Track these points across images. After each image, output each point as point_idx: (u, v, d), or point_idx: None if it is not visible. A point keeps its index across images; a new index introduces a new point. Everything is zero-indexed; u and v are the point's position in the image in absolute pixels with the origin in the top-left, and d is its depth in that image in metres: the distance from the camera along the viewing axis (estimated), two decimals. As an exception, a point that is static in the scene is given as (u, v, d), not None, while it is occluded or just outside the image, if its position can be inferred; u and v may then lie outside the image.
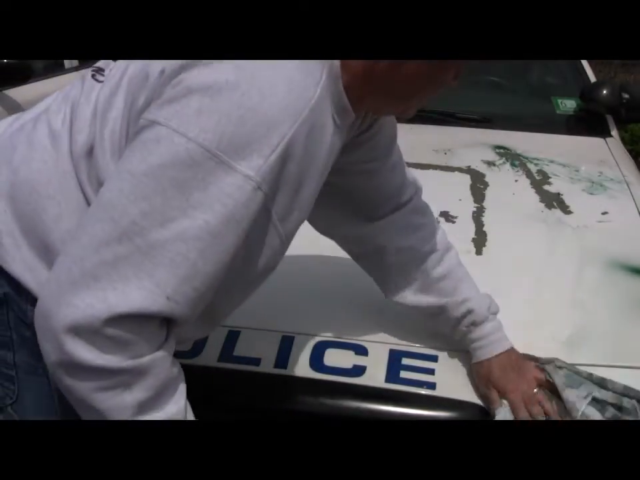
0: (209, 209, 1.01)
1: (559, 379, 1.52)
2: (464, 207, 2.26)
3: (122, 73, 1.19)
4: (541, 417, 1.48)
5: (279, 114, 1.03)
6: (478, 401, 1.54)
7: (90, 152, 1.17)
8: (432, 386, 1.57)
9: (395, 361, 1.62)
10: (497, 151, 2.75)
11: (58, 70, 4.89)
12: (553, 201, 2.34)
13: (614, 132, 3.11)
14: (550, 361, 1.57)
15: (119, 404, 1.04)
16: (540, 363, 1.59)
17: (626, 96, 3.17)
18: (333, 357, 1.62)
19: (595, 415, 1.45)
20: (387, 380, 1.58)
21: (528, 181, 2.50)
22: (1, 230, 1.18)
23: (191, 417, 1.16)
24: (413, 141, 2.85)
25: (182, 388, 1.14)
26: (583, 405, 1.46)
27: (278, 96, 1.03)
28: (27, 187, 1.18)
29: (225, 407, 1.57)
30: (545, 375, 1.55)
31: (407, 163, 2.53)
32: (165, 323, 1.07)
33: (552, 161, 2.69)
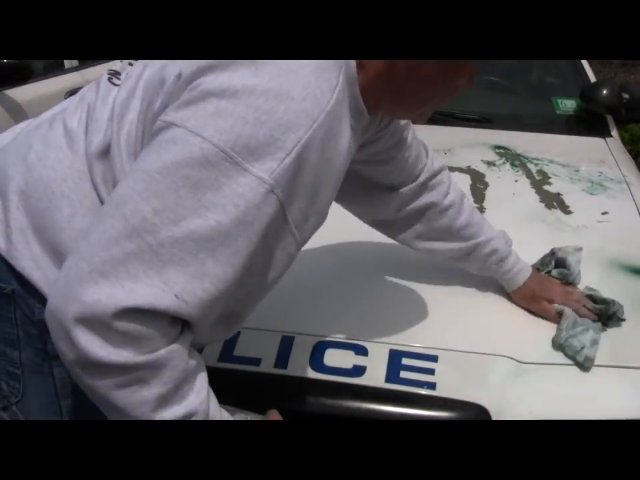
0: (221, 209, 1.01)
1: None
2: None
3: (138, 76, 1.19)
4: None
5: (295, 118, 1.04)
6: (478, 401, 1.54)
7: (106, 153, 1.18)
8: (432, 386, 1.57)
9: (395, 361, 1.62)
10: (497, 150, 2.75)
11: (58, 70, 4.89)
12: (553, 201, 2.34)
13: (614, 132, 3.11)
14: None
15: (139, 400, 1.03)
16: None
17: (626, 96, 3.17)
18: (333, 357, 1.62)
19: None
20: (387, 380, 1.58)
21: (528, 181, 2.50)
22: (12, 226, 1.18)
23: (214, 407, 1.15)
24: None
25: (202, 379, 1.13)
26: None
27: (294, 100, 1.04)
28: (41, 185, 1.18)
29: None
30: None
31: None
32: (178, 319, 1.07)
33: (552, 161, 2.69)
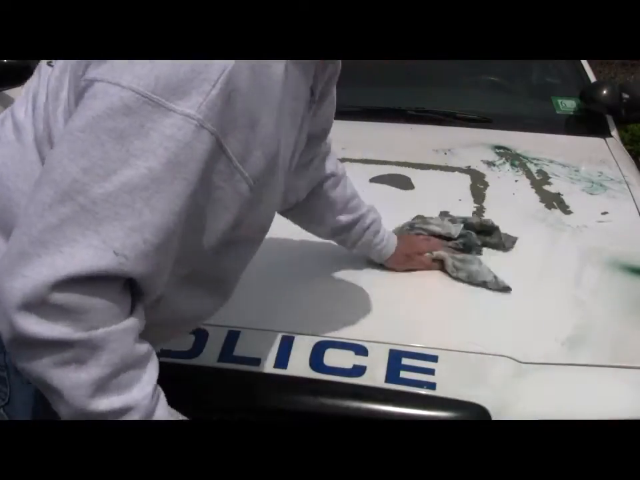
0: (151, 155, 0.98)
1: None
2: (464, 207, 2.26)
3: None
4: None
5: None
6: (478, 401, 1.54)
7: (49, 136, 1.16)
8: (432, 386, 1.56)
9: (395, 361, 1.62)
10: (497, 151, 2.75)
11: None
12: (553, 201, 2.34)
13: (614, 132, 3.11)
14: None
15: (75, 381, 0.99)
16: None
17: (626, 96, 3.16)
18: (333, 357, 1.62)
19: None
20: (387, 380, 1.57)
21: (528, 181, 2.50)
22: None
23: (162, 407, 1.11)
24: (413, 140, 2.86)
25: (151, 372, 1.09)
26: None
27: None
28: None
29: (225, 407, 1.57)
30: None
31: (407, 163, 2.55)
32: (126, 291, 1.03)
33: (552, 161, 2.68)
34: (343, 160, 2.56)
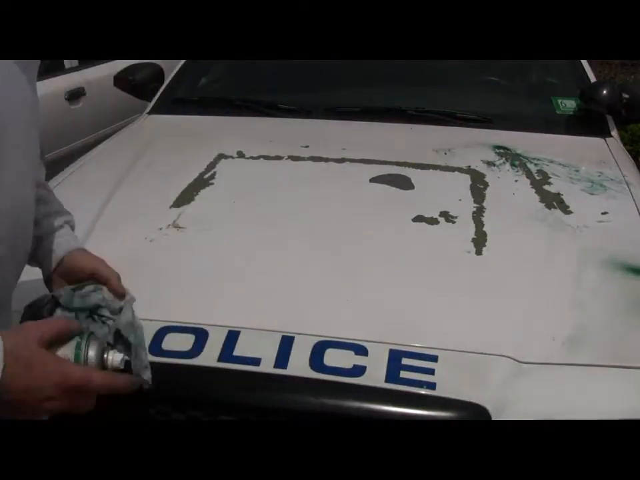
0: None
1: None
2: (464, 207, 2.26)
3: None
4: None
5: None
6: (478, 401, 1.54)
7: None
8: (432, 386, 1.57)
9: (395, 360, 1.62)
10: (497, 151, 2.75)
11: (58, 70, 4.89)
12: (553, 201, 2.34)
13: (614, 132, 3.10)
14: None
15: None
16: None
17: (626, 96, 3.16)
18: (333, 357, 1.62)
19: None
20: (387, 380, 1.58)
21: (528, 181, 2.50)
22: None
23: None
24: (413, 140, 2.86)
25: None
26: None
27: None
28: None
29: (225, 406, 1.57)
30: None
31: (407, 163, 2.55)
32: None
33: (552, 161, 2.68)
34: (342, 160, 2.58)
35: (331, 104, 3.18)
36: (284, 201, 2.32)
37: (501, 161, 2.66)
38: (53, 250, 1.51)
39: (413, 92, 3.36)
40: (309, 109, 3.17)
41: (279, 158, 2.65)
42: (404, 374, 1.59)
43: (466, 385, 1.58)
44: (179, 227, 2.14)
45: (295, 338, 1.66)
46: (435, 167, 2.58)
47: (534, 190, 2.43)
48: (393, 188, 2.39)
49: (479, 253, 2.01)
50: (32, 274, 1.50)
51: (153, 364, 1.42)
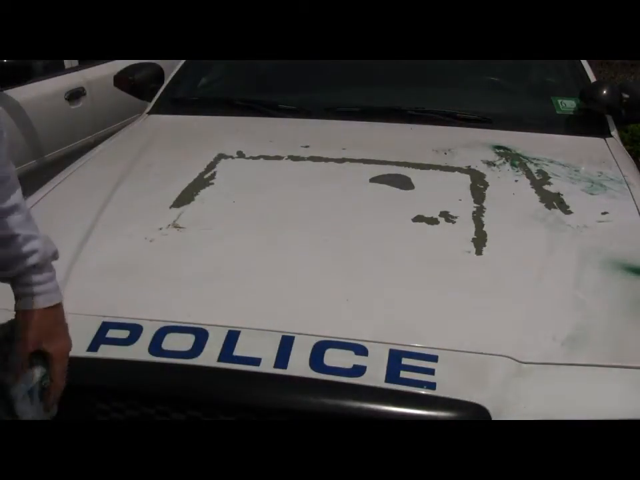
0: None
1: None
2: (464, 207, 2.26)
3: None
4: None
5: None
6: (478, 401, 1.54)
7: None
8: (432, 386, 1.57)
9: (395, 360, 1.62)
10: (497, 151, 2.75)
11: (58, 70, 4.89)
12: (553, 201, 2.34)
13: (614, 132, 3.10)
14: None
15: None
16: None
17: (626, 96, 3.16)
18: (333, 357, 1.62)
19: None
20: (387, 380, 1.58)
21: (528, 181, 2.50)
22: None
23: None
24: (413, 140, 2.86)
25: None
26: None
27: None
28: None
29: (225, 407, 1.57)
30: None
31: (407, 163, 2.55)
32: None
33: (552, 161, 2.68)
34: (342, 160, 2.58)
35: (331, 104, 3.18)
36: (284, 200, 2.32)
37: (501, 161, 2.66)
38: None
39: (412, 92, 3.36)
40: (309, 108, 3.17)
41: (278, 158, 2.65)
42: (404, 374, 1.59)
43: (466, 384, 1.58)
44: (179, 227, 2.14)
45: (295, 338, 1.66)
46: (435, 167, 2.58)
47: (534, 190, 2.43)
48: (393, 188, 2.40)
49: (479, 252, 2.01)
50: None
51: (153, 364, 1.42)
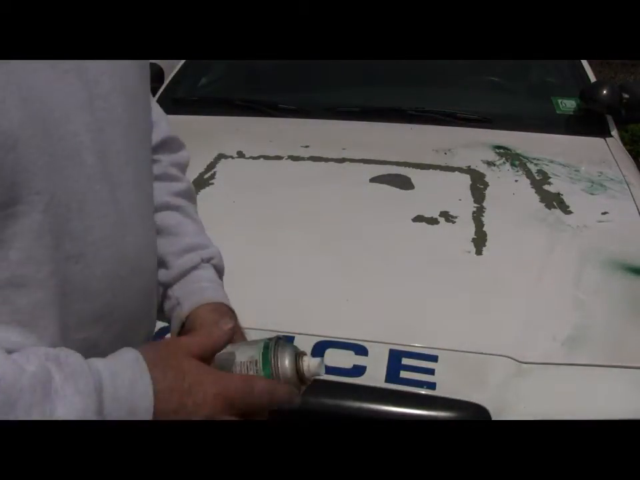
0: None
1: None
2: (464, 207, 2.26)
3: None
4: None
5: None
6: (478, 401, 1.55)
7: None
8: (432, 386, 1.57)
9: (395, 360, 1.62)
10: (497, 151, 2.75)
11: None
12: (553, 201, 2.34)
13: (614, 132, 3.10)
14: None
15: None
16: None
17: (626, 96, 3.16)
18: (333, 357, 1.63)
19: None
20: (387, 380, 1.58)
21: (528, 181, 2.50)
22: None
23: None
24: (413, 140, 2.86)
25: None
26: None
27: None
28: None
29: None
30: None
31: (407, 163, 2.56)
32: None
33: (552, 161, 2.68)
34: (342, 160, 2.58)
35: (331, 104, 3.18)
36: (284, 200, 2.32)
37: (501, 161, 2.66)
38: (178, 305, 1.22)
39: (412, 92, 3.35)
40: (309, 108, 3.17)
41: (278, 158, 2.65)
42: (404, 374, 1.60)
43: (466, 385, 1.58)
44: None
45: (295, 338, 1.66)
46: (435, 167, 2.58)
47: (534, 190, 2.43)
48: (393, 188, 2.40)
49: (479, 252, 2.01)
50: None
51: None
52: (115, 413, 0.86)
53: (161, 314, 1.26)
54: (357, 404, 1.56)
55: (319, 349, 1.64)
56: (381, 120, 3.04)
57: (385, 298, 1.81)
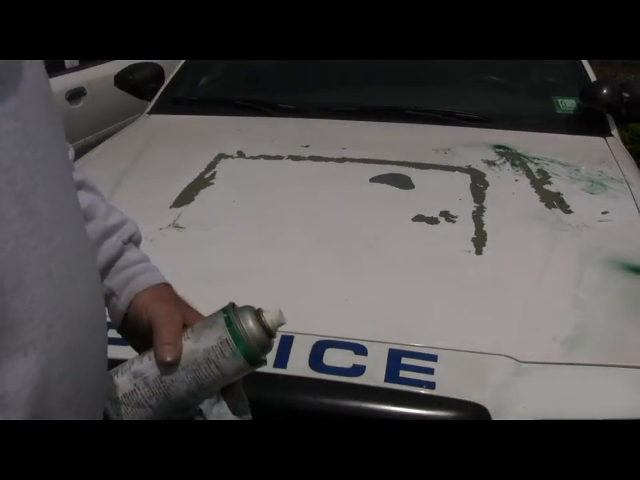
0: None
1: None
2: (464, 206, 2.27)
3: None
4: None
5: None
6: (477, 401, 1.55)
7: None
8: (431, 385, 1.57)
9: (394, 360, 1.62)
10: (497, 150, 2.75)
11: (58, 70, 4.90)
12: (553, 201, 2.34)
13: (614, 131, 3.11)
14: None
15: None
16: None
17: (626, 95, 3.17)
18: (333, 357, 1.63)
19: None
20: (387, 379, 1.58)
21: (528, 181, 2.50)
22: None
23: None
24: (413, 140, 2.87)
25: None
26: None
27: None
28: None
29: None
30: None
31: (407, 163, 2.56)
32: None
33: (552, 161, 2.68)
34: (342, 160, 2.58)
35: (331, 103, 3.19)
36: (284, 200, 2.32)
37: (501, 161, 2.66)
38: (114, 296, 1.17)
39: (412, 91, 3.36)
40: (309, 108, 3.17)
41: (279, 158, 2.65)
42: (403, 373, 1.59)
43: (465, 384, 1.58)
44: (179, 227, 2.14)
45: (295, 337, 1.66)
46: (435, 167, 2.59)
47: (534, 189, 2.43)
48: (393, 187, 2.40)
49: (479, 252, 2.01)
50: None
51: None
52: None
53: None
54: (357, 404, 1.56)
55: (319, 349, 1.64)
56: (381, 119, 3.05)
57: (385, 297, 1.81)
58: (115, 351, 1.05)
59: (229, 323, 1.08)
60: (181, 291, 1.84)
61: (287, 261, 1.96)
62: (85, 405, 0.86)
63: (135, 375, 1.07)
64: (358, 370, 1.60)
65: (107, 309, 1.11)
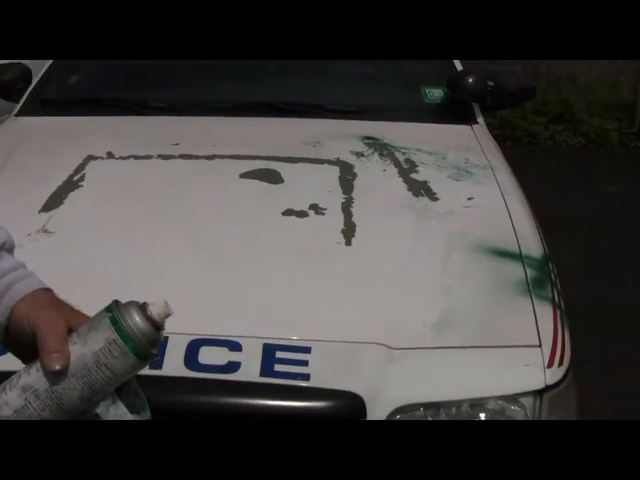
0: None
1: None
2: (333, 198, 2.28)
3: None
4: None
5: None
6: (352, 389, 1.57)
7: None
8: (306, 377, 1.59)
9: (269, 354, 1.64)
10: (366, 141, 2.78)
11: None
12: (420, 189, 2.38)
13: (480, 119, 3.17)
14: None
15: None
16: None
17: (491, 83, 3.24)
18: (208, 354, 1.63)
19: None
20: (262, 374, 1.60)
21: (396, 170, 2.54)
22: None
23: None
24: (282, 134, 2.87)
25: None
26: None
27: None
28: None
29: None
30: None
31: (277, 157, 2.56)
32: None
33: (419, 150, 2.72)
34: (212, 157, 2.57)
35: (202, 100, 3.16)
36: (154, 200, 2.30)
37: (370, 152, 2.69)
38: None
39: (284, 85, 3.36)
40: (181, 106, 3.14)
41: (148, 157, 2.61)
42: (278, 367, 1.61)
43: (339, 374, 1.61)
44: (49, 232, 2.10)
45: (169, 337, 1.66)
46: (305, 160, 2.59)
47: (402, 179, 2.47)
48: (263, 182, 2.40)
49: (348, 243, 2.03)
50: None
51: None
52: None
53: None
54: (234, 400, 1.58)
55: (193, 347, 1.64)
56: (252, 114, 3.03)
57: (257, 292, 1.81)
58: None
59: (114, 322, 1.07)
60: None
61: (158, 261, 1.95)
62: None
63: (24, 389, 1.04)
64: (233, 366, 1.61)
65: None
